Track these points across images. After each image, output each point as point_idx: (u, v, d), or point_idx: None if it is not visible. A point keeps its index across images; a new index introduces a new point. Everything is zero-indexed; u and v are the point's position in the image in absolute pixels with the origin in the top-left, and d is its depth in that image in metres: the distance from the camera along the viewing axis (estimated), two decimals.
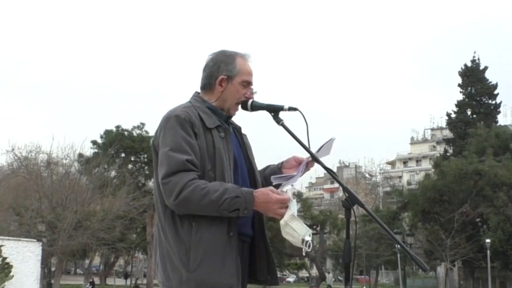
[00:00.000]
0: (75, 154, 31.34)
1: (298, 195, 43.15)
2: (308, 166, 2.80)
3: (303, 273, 75.41)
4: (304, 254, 2.65)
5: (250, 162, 2.86)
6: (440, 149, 64.14)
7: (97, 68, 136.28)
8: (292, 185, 2.68)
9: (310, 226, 39.36)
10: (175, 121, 2.62)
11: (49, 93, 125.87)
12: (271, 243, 2.84)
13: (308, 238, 2.51)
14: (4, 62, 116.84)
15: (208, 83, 2.81)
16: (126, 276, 55.40)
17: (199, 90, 2.87)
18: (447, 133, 55.11)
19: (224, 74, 2.77)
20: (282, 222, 2.54)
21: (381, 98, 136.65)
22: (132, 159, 42.86)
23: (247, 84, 2.80)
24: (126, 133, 42.43)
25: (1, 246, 6.04)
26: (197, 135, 2.63)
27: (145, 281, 47.04)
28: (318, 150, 2.75)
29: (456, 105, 49.60)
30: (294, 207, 2.56)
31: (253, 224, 2.77)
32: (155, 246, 2.70)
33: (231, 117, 2.87)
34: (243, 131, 2.95)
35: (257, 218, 2.78)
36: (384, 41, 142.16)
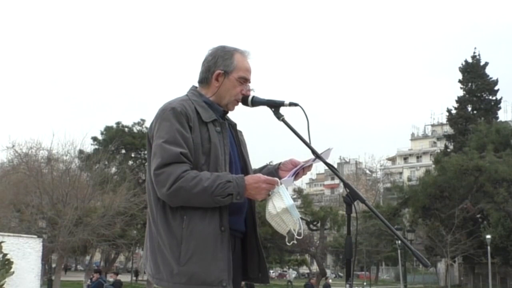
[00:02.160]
0: (76, 151, 31.33)
1: (299, 191, 43.05)
2: (304, 170, 2.78)
3: (304, 269, 75.47)
4: (289, 244, 2.66)
5: (244, 159, 2.83)
6: (440, 145, 64.11)
7: (97, 64, 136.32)
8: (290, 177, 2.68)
9: (311, 222, 39.65)
10: (171, 113, 2.60)
11: (50, 90, 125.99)
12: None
13: (293, 229, 2.56)
14: (5, 60, 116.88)
15: (205, 77, 2.78)
16: (136, 273, 54.35)
17: (196, 85, 2.84)
18: (448, 129, 55.05)
19: (221, 69, 2.74)
20: (273, 211, 2.54)
21: (381, 94, 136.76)
22: (133, 155, 42.88)
23: (244, 80, 2.77)
24: (126, 129, 42.41)
25: (2, 242, 6.01)
26: (192, 129, 2.60)
27: (146, 277, 47.08)
28: (315, 159, 2.72)
29: (457, 101, 49.57)
30: (288, 199, 2.54)
31: (246, 221, 2.75)
32: (146, 239, 2.67)
33: (227, 112, 2.84)
34: (242, 127, 2.93)
35: (249, 215, 2.76)
36: (385, 37, 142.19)
